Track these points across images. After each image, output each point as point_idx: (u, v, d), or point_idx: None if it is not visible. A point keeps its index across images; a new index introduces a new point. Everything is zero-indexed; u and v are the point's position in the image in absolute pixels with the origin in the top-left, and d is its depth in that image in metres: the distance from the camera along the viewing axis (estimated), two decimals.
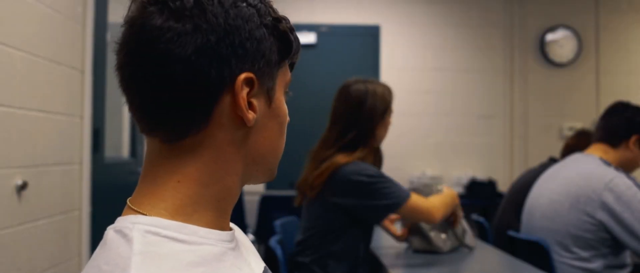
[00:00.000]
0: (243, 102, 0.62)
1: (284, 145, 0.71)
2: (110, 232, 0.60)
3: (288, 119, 0.72)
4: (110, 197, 2.74)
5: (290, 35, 0.67)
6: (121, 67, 0.63)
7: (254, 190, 4.60)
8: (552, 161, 3.05)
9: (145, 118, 0.63)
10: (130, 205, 0.63)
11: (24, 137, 2.06)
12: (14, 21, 1.98)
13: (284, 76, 0.69)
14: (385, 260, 2.17)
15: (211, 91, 0.61)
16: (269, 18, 0.65)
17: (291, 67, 0.73)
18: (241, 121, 0.63)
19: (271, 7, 0.67)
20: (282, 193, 4.41)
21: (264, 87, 0.65)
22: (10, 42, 1.95)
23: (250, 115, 0.63)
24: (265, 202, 4.21)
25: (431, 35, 5.06)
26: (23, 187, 2.01)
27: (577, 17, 5.10)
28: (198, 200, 0.63)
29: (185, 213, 0.62)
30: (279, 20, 0.66)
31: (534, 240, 2.20)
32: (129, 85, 0.63)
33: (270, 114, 0.67)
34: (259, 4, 0.65)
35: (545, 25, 5.10)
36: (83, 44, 2.53)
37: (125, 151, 3.33)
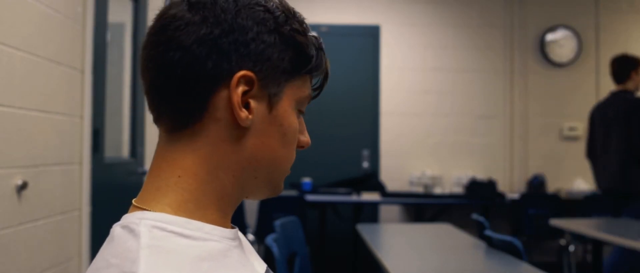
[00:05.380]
0: (237, 98, 0.62)
1: (289, 160, 0.70)
2: (116, 228, 0.61)
3: (298, 136, 0.71)
4: (110, 197, 2.74)
5: (309, 49, 0.66)
6: (142, 50, 0.66)
7: None
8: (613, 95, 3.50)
9: (152, 104, 0.66)
10: (135, 204, 0.65)
11: (24, 137, 2.05)
12: (14, 21, 1.98)
13: (299, 90, 0.68)
14: (386, 261, 2.17)
15: (207, 82, 0.62)
16: (288, 27, 0.65)
17: (317, 90, 0.72)
18: (236, 119, 0.64)
19: (298, 20, 0.67)
20: (282, 194, 4.38)
21: (266, 90, 0.64)
22: (10, 42, 1.95)
23: (244, 114, 0.63)
24: (265, 202, 4.21)
25: (431, 35, 5.06)
26: (23, 187, 2.01)
27: (577, 17, 5.10)
28: (198, 197, 0.64)
29: (187, 209, 0.63)
30: (300, 32, 0.66)
31: (508, 241, 2.30)
32: (142, 69, 0.66)
33: (271, 120, 0.65)
34: (280, 13, 0.65)
35: (545, 25, 5.10)
36: (83, 44, 2.53)
37: (125, 151, 3.33)
